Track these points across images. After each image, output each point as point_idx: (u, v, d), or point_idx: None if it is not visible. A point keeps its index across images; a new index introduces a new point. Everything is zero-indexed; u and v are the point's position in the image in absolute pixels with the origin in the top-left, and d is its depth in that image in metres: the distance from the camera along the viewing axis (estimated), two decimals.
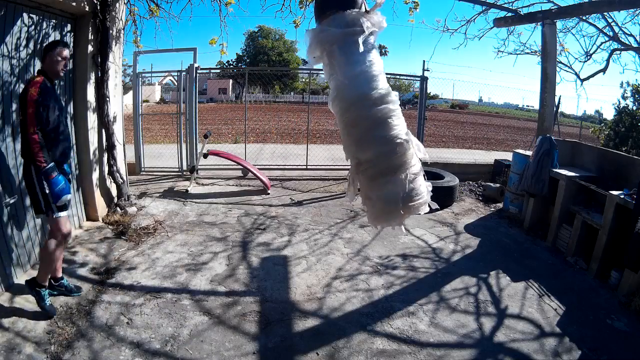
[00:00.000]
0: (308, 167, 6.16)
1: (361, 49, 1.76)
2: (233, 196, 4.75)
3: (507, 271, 3.13)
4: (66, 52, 2.26)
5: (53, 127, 2.18)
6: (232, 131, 11.99)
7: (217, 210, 4.19)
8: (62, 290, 2.43)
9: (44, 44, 2.51)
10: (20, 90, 2.61)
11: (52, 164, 2.14)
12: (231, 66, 36.24)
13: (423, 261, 3.26)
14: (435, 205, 1.85)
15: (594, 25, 5.49)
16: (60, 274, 2.43)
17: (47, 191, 2.13)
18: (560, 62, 5.76)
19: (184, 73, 5.51)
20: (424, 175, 1.84)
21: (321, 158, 6.72)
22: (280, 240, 3.51)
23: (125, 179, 4.05)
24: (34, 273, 2.60)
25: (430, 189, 1.83)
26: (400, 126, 1.75)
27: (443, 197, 4.71)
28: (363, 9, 1.83)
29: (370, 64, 1.78)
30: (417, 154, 1.79)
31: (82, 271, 2.76)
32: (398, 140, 1.71)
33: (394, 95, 1.78)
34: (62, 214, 2.22)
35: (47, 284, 2.27)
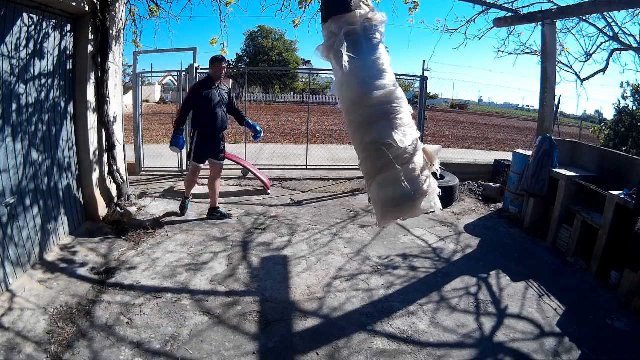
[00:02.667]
0: (308, 167, 6.16)
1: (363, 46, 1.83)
2: (233, 196, 4.75)
3: (507, 271, 3.13)
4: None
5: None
6: (232, 131, 11.98)
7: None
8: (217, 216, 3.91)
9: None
10: (20, 90, 2.63)
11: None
12: (231, 66, 36.20)
13: (423, 261, 3.26)
14: (439, 205, 1.87)
15: (594, 25, 5.48)
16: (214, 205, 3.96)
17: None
18: (560, 62, 5.75)
19: (184, 73, 5.51)
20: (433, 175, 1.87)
21: (321, 158, 6.72)
22: (280, 240, 3.51)
23: (125, 179, 4.04)
24: (34, 273, 2.61)
25: (437, 189, 1.86)
26: (383, 130, 1.79)
27: (443, 197, 4.67)
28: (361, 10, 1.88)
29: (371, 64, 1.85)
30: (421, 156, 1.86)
31: (82, 271, 2.76)
32: (376, 145, 1.77)
33: (397, 93, 1.85)
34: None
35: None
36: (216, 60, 3.61)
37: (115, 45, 3.69)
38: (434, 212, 1.94)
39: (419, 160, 1.82)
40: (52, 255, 2.90)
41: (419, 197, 1.79)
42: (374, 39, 1.89)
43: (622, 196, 2.92)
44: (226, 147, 3.93)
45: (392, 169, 1.75)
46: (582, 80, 6.08)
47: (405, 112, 1.86)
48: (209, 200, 4.18)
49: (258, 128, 3.93)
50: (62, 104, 3.19)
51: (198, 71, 5.54)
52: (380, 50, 1.90)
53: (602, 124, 8.30)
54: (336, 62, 1.86)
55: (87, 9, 3.21)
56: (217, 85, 3.64)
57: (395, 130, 1.78)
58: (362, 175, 1.95)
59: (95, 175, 3.58)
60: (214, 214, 3.93)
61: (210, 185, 3.93)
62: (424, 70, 6.01)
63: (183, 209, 3.96)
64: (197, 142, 3.64)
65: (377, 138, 1.77)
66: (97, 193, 3.63)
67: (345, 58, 1.77)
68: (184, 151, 5.65)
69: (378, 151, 1.76)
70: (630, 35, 5.45)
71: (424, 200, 1.81)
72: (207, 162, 3.83)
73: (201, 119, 3.60)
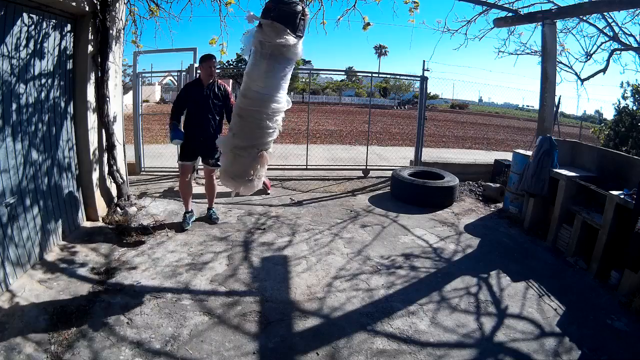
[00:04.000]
0: (308, 167, 6.16)
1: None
2: (233, 196, 4.74)
3: (507, 271, 3.13)
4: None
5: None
6: None
7: (217, 210, 4.19)
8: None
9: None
10: (21, 90, 2.62)
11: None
12: (231, 66, 36.21)
13: (424, 261, 3.26)
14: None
15: (594, 26, 5.48)
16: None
17: None
18: (561, 62, 5.76)
19: (184, 73, 5.51)
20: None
21: (321, 158, 6.72)
22: (280, 240, 3.51)
23: (125, 179, 4.04)
24: (34, 273, 2.61)
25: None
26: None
27: (443, 197, 4.72)
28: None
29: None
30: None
31: (82, 271, 2.76)
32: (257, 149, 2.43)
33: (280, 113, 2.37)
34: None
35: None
36: (202, 61, 3.46)
37: (115, 45, 3.69)
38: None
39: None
40: (52, 255, 2.90)
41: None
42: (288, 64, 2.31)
43: (622, 196, 2.92)
44: None
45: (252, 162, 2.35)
46: (582, 80, 6.09)
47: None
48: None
49: None
50: (62, 104, 3.19)
51: (198, 71, 5.53)
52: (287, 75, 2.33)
53: (602, 124, 8.29)
54: (260, 59, 2.21)
55: (87, 9, 3.21)
56: (207, 86, 3.47)
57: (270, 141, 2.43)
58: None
59: (95, 175, 3.58)
60: (208, 211, 3.93)
61: (207, 187, 3.89)
62: (424, 70, 6.02)
63: (184, 223, 3.68)
64: (184, 141, 3.55)
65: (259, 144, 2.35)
66: (97, 193, 3.63)
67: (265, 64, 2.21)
68: None
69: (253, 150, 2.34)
70: (630, 35, 5.46)
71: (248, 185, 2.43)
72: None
73: (187, 119, 3.55)
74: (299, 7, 2.17)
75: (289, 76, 2.33)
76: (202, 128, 3.49)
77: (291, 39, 2.12)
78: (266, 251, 3.29)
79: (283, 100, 2.33)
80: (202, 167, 4.02)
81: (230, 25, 4.01)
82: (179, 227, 3.62)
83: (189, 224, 3.67)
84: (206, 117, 3.49)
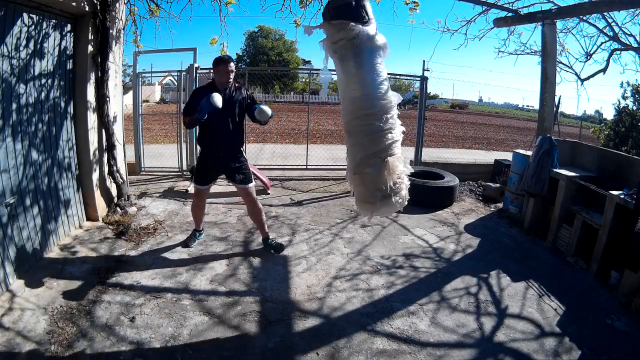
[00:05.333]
0: (308, 167, 6.16)
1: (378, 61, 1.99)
2: (233, 196, 4.73)
3: (507, 271, 3.13)
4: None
5: None
6: None
7: (217, 210, 4.19)
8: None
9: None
10: (21, 90, 2.62)
11: None
12: None
13: (424, 261, 3.26)
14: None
15: (594, 26, 5.48)
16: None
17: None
18: (561, 62, 5.75)
19: (184, 73, 5.51)
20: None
21: (321, 158, 6.72)
22: (280, 240, 3.51)
23: (125, 179, 4.05)
24: (34, 273, 2.61)
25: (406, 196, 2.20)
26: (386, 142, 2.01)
27: (443, 197, 4.71)
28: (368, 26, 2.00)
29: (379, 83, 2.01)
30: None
31: (82, 271, 2.76)
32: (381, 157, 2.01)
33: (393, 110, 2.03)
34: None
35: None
36: (220, 63, 2.83)
37: (115, 45, 3.69)
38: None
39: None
40: (52, 255, 2.90)
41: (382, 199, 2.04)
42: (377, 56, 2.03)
43: (622, 196, 2.92)
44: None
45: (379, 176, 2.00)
46: (582, 80, 6.08)
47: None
48: (209, 200, 4.14)
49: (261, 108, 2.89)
50: (62, 104, 3.19)
51: (198, 71, 5.54)
52: (381, 69, 2.04)
53: (602, 124, 8.30)
54: (342, 63, 2.00)
55: (87, 9, 3.21)
56: (225, 92, 2.85)
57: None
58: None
59: (95, 175, 3.58)
60: (266, 241, 3.30)
61: (249, 215, 3.29)
62: (424, 70, 6.02)
63: (189, 240, 3.29)
64: (200, 160, 3.09)
65: (379, 151, 2.00)
66: (97, 193, 3.63)
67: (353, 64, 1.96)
68: (184, 150, 5.68)
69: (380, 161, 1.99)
70: (630, 35, 5.45)
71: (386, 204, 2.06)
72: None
73: (203, 134, 2.97)
74: None
75: (382, 68, 2.04)
76: (222, 142, 2.94)
77: (355, 27, 1.92)
78: (266, 251, 3.29)
79: (388, 95, 2.01)
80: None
81: (230, 25, 4.01)
82: (183, 243, 3.28)
83: (195, 243, 3.29)
84: (227, 129, 2.91)
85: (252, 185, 3.11)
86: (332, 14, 2.02)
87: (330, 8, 2.04)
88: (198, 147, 3.13)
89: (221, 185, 5.18)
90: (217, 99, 2.64)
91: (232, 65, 2.86)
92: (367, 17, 2.01)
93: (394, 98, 2.01)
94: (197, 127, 2.99)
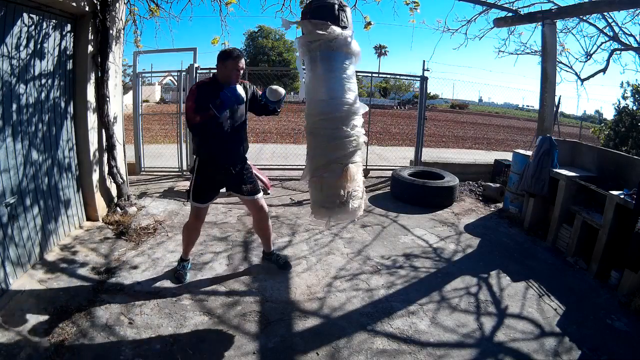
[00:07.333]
0: None
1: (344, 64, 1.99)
2: (233, 196, 4.74)
3: (507, 271, 3.13)
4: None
5: None
6: None
7: (217, 210, 4.19)
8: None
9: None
10: (21, 90, 2.62)
11: None
12: None
13: (424, 261, 3.26)
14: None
15: (594, 25, 5.48)
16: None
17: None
18: (561, 62, 5.76)
19: (184, 73, 5.51)
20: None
21: None
22: (280, 240, 3.51)
23: (125, 179, 4.05)
24: (34, 273, 2.61)
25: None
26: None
27: (443, 197, 4.72)
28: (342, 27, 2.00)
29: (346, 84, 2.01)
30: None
31: (83, 271, 2.76)
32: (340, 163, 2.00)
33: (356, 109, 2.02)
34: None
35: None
36: (228, 57, 2.35)
37: (115, 45, 3.69)
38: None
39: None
40: (52, 255, 2.90)
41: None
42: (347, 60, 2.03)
43: (622, 196, 2.92)
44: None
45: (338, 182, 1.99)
46: (582, 80, 6.09)
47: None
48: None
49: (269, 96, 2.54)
50: (62, 104, 3.19)
51: (198, 71, 5.54)
52: (349, 72, 2.05)
53: (602, 124, 8.29)
54: (313, 64, 2.00)
55: (87, 9, 3.21)
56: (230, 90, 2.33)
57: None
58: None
59: (95, 176, 3.58)
60: (269, 256, 3.01)
61: (255, 228, 2.96)
62: (424, 70, 6.02)
63: (180, 275, 2.73)
64: (198, 173, 2.54)
65: (340, 157, 2.00)
66: (97, 193, 3.63)
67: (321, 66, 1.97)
68: (184, 150, 5.68)
69: (338, 166, 1.99)
70: (630, 35, 5.46)
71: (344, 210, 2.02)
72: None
73: (205, 140, 2.47)
74: (335, 0, 1.99)
75: (352, 74, 2.04)
76: (230, 150, 2.54)
77: (336, 29, 1.91)
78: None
79: (356, 102, 2.01)
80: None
81: (230, 25, 4.02)
82: (173, 279, 2.73)
83: (186, 278, 2.73)
84: (235, 134, 2.54)
85: (261, 195, 2.74)
86: (313, 13, 2.00)
87: (312, 7, 2.03)
88: (196, 160, 2.56)
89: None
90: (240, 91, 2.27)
91: (243, 62, 2.42)
92: (346, 23, 2.02)
93: (361, 106, 2.03)
94: (195, 134, 2.49)
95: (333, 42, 1.93)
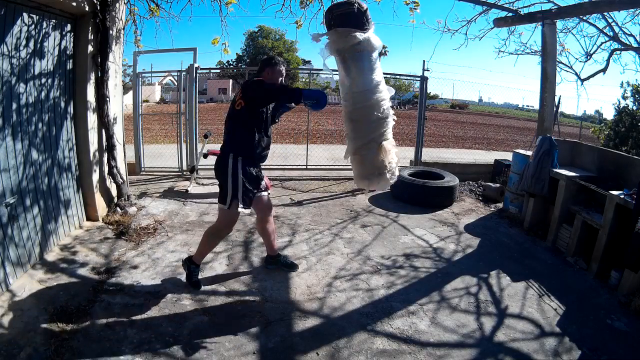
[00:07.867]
0: (308, 167, 6.16)
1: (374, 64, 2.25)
2: None
3: (507, 271, 3.13)
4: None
5: None
6: None
7: (216, 210, 4.18)
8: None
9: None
10: (21, 90, 2.62)
11: None
12: (231, 66, 36.24)
13: (424, 261, 3.26)
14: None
15: (594, 26, 5.48)
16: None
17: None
18: (561, 62, 5.75)
19: (184, 73, 5.51)
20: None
21: (321, 158, 6.72)
22: (280, 240, 3.51)
23: (125, 179, 4.05)
24: (34, 273, 2.61)
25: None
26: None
27: (443, 197, 4.72)
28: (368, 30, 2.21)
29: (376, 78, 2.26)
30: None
31: (83, 271, 2.76)
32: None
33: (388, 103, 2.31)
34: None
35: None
36: (278, 64, 2.52)
37: (115, 45, 3.69)
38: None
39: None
40: (52, 255, 2.90)
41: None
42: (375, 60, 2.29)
43: (622, 196, 2.92)
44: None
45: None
46: (582, 80, 6.09)
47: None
48: (209, 200, 4.15)
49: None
50: (62, 104, 3.19)
51: (198, 71, 5.55)
52: (375, 65, 2.30)
53: (602, 124, 8.29)
54: (345, 65, 2.25)
55: (87, 9, 3.21)
56: None
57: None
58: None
59: (95, 176, 3.58)
60: (274, 262, 2.95)
61: (260, 228, 2.87)
62: (424, 70, 6.02)
63: (196, 284, 2.64)
64: (243, 174, 2.42)
65: (376, 137, 2.28)
66: (97, 193, 3.63)
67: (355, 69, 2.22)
68: (184, 150, 5.68)
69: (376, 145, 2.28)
70: (630, 35, 5.46)
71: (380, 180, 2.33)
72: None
73: (250, 140, 2.44)
74: (354, 6, 2.18)
75: (377, 65, 2.32)
76: (269, 145, 2.65)
77: (359, 35, 2.17)
78: (266, 251, 3.28)
79: (383, 89, 2.30)
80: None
81: (230, 25, 4.01)
82: (193, 284, 2.64)
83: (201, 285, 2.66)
84: (270, 135, 2.65)
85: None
86: (337, 21, 2.20)
87: (333, 15, 2.22)
88: (238, 159, 2.42)
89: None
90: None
91: (283, 70, 2.58)
92: (367, 25, 2.22)
93: (388, 92, 2.32)
94: (231, 132, 2.46)
95: (359, 45, 2.17)
